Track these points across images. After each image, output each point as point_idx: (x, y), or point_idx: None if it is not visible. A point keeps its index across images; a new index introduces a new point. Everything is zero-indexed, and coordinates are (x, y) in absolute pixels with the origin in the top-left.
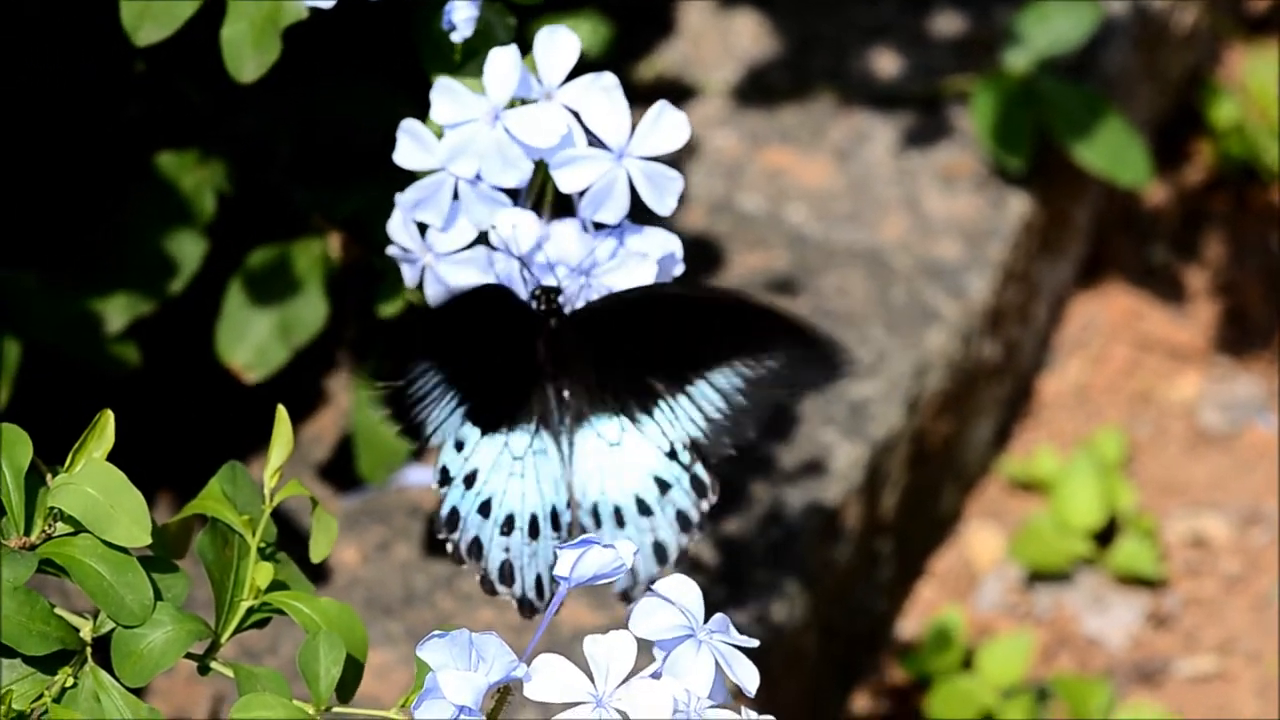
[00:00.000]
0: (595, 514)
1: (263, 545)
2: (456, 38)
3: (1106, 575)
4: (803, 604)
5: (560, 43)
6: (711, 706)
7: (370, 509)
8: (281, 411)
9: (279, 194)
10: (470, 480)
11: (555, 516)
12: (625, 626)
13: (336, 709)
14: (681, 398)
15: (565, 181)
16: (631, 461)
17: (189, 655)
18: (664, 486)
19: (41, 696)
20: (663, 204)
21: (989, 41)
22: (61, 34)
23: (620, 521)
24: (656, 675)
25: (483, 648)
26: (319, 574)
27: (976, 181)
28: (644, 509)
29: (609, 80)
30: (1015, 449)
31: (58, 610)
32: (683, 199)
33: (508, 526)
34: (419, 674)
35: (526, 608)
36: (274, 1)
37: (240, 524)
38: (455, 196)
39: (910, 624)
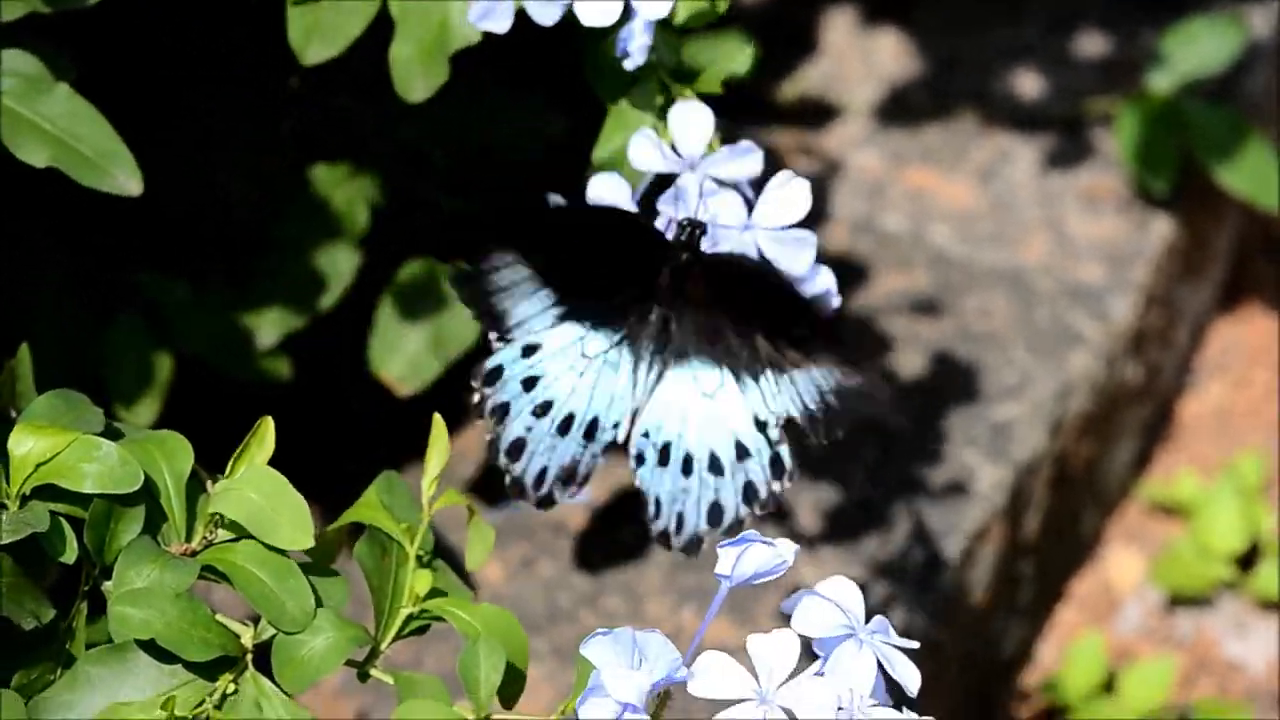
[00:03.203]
0: (663, 451)
1: (421, 553)
2: (629, 65)
3: (1248, 600)
4: (944, 626)
5: (696, 117)
6: (874, 705)
7: (514, 525)
8: (438, 420)
9: (431, 205)
10: (529, 351)
11: (593, 426)
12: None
13: (497, 716)
14: (786, 377)
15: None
16: (720, 416)
17: (348, 662)
18: (743, 452)
19: (203, 703)
20: (796, 264)
21: (1132, 63)
22: (222, 51)
23: (687, 469)
24: (819, 675)
25: (646, 646)
26: None
27: (1119, 203)
28: (716, 467)
29: (744, 149)
30: (1156, 472)
31: (218, 617)
32: (826, 218)
33: (542, 410)
34: (580, 675)
35: (518, 488)
36: (441, 22)
37: (399, 532)
38: None
39: (1050, 648)
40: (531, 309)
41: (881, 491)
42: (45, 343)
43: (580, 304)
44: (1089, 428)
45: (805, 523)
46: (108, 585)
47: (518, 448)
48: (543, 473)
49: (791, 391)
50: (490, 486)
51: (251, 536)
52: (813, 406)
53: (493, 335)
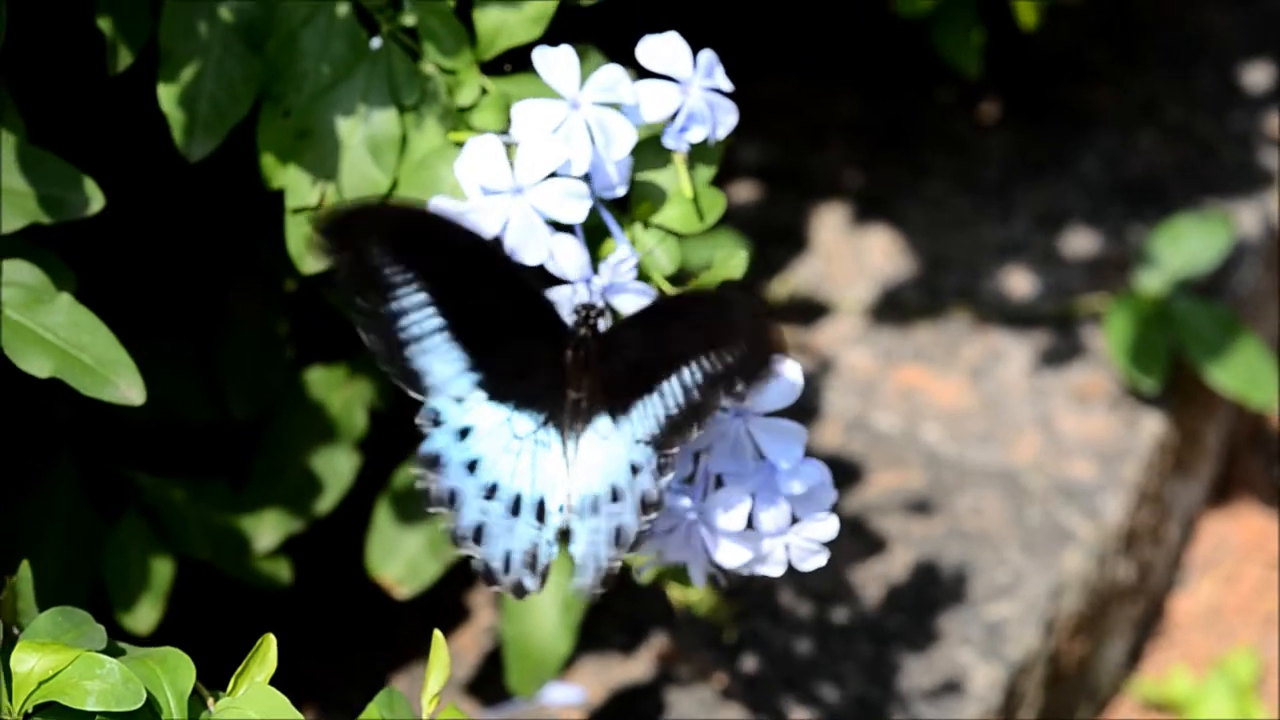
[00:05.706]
0: (580, 510)
1: None
2: None
3: None
4: None
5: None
6: None
7: None
8: (438, 637)
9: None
10: (464, 434)
11: (540, 508)
12: None
13: None
14: (655, 395)
15: None
16: (613, 453)
17: None
18: (635, 470)
19: None
20: (788, 456)
21: (1121, 260)
22: (219, 253)
23: (595, 509)
24: None
25: None
26: None
27: (1110, 401)
28: (616, 495)
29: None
30: (1148, 669)
31: None
32: (818, 415)
33: (491, 493)
34: None
35: (489, 576)
36: None
37: None
38: None
39: None
40: (448, 369)
41: (876, 690)
42: (49, 544)
43: (497, 377)
44: (1082, 626)
45: None
46: None
47: (480, 532)
48: (508, 556)
49: (654, 409)
50: (487, 686)
51: None
52: (674, 412)
53: (412, 393)
